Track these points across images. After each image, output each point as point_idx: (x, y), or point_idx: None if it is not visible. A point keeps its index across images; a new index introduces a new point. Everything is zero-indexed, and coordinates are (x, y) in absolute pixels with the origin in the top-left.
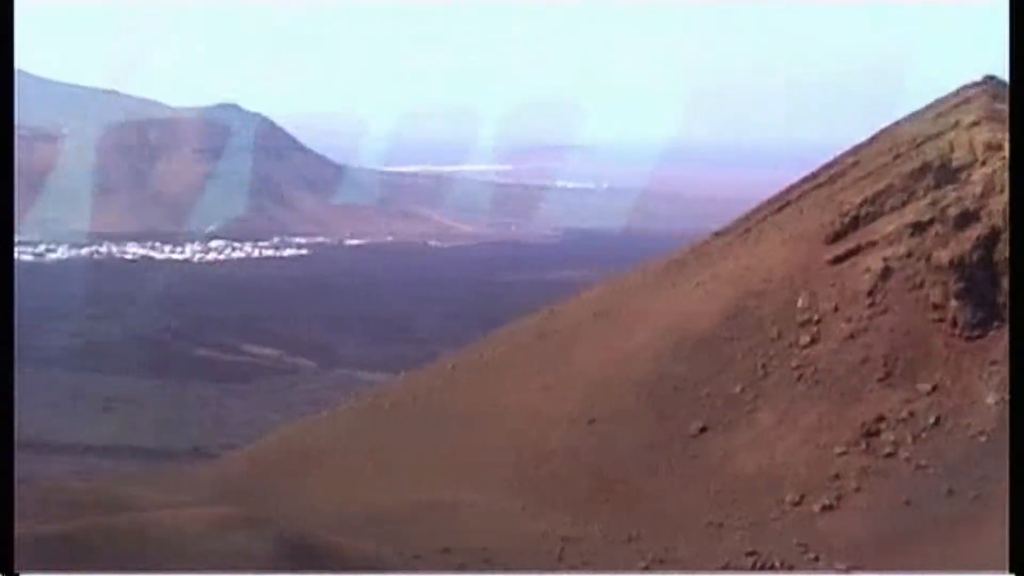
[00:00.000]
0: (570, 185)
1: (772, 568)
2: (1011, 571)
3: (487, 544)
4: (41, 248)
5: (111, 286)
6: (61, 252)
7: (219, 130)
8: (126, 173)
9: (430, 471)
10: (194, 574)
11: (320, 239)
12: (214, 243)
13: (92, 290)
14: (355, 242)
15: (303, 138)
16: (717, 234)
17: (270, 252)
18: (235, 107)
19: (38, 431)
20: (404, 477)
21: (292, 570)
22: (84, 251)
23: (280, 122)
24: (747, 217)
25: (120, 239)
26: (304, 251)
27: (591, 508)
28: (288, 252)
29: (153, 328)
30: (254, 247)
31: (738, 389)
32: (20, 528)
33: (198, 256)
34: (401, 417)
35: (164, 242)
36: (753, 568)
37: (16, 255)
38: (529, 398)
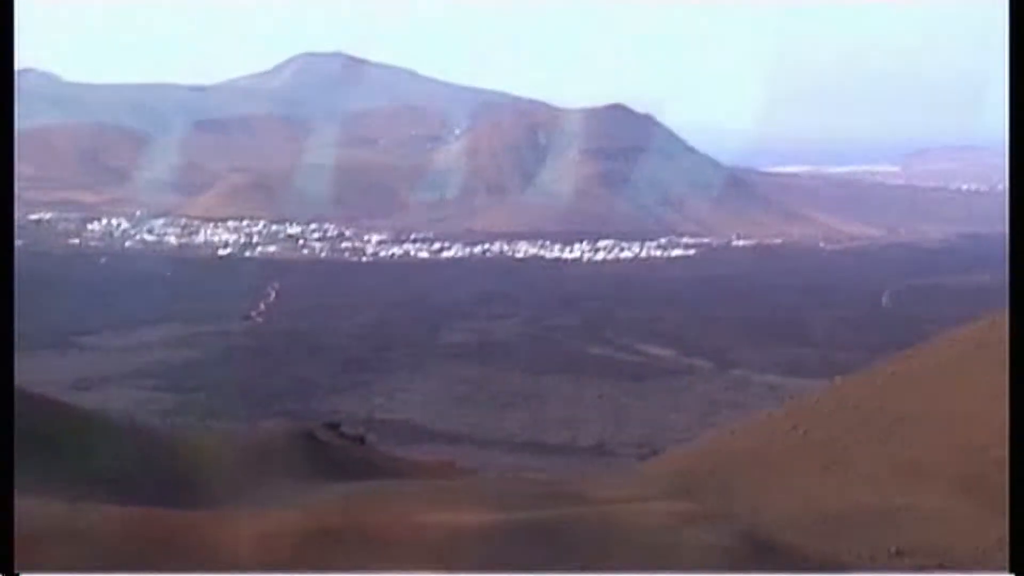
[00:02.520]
0: (964, 187)
1: None
2: (1011, 571)
3: (939, 548)
4: (436, 246)
5: (503, 284)
6: (455, 250)
7: (607, 131)
8: (516, 173)
9: (876, 474)
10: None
11: (707, 240)
12: (602, 243)
13: (486, 288)
14: (742, 243)
15: (690, 139)
16: None
17: (657, 252)
18: (623, 108)
19: (444, 422)
20: (850, 479)
21: (752, 567)
22: (476, 249)
23: (667, 123)
24: None
25: (511, 238)
26: (691, 252)
27: None
28: (675, 252)
29: (547, 326)
30: (642, 247)
31: None
32: (475, 513)
33: (587, 255)
34: (843, 420)
35: (553, 241)
36: None
37: (411, 252)
38: (977, 405)
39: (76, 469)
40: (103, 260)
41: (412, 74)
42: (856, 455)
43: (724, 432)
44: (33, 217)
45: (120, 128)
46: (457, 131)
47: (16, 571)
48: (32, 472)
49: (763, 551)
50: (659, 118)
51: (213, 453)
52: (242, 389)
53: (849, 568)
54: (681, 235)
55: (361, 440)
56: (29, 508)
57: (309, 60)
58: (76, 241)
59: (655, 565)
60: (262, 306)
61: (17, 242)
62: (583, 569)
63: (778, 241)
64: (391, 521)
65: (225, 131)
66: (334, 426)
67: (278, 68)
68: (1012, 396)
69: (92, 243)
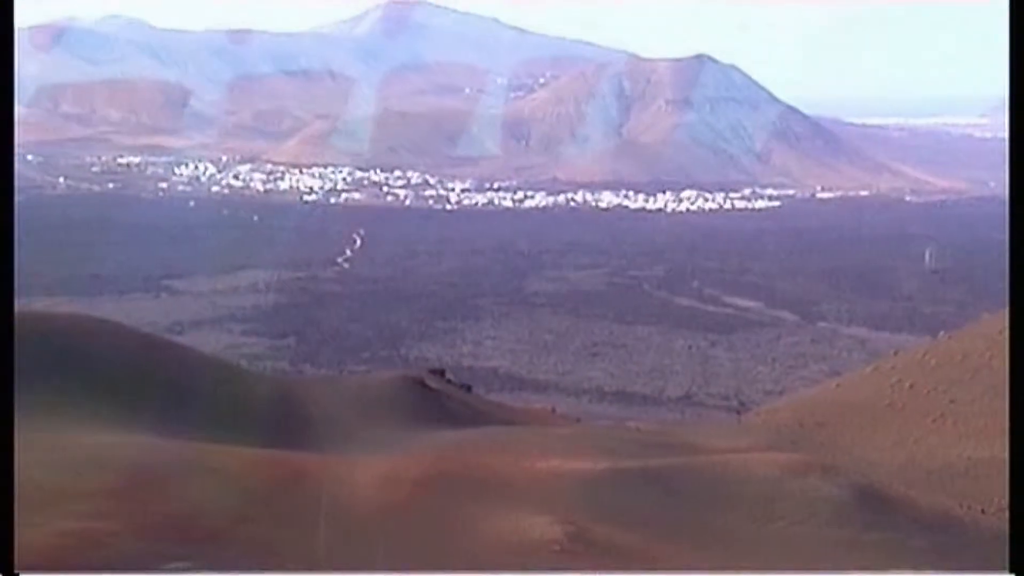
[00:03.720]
0: None
1: None
2: (1011, 571)
3: None
4: (519, 195)
5: (588, 234)
6: (539, 199)
7: (692, 81)
8: (600, 122)
9: (984, 427)
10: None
11: (791, 191)
12: (685, 193)
13: (570, 237)
14: (827, 195)
15: (776, 90)
16: None
17: (741, 204)
18: (709, 59)
19: (532, 371)
20: (959, 432)
21: (865, 518)
22: (560, 198)
23: (753, 74)
24: None
25: (595, 187)
26: (776, 203)
27: None
28: (759, 204)
29: (634, 276)
30: (726, 198)
31: None
32: (587, 460)
33: (671, 206)
34: (950, 374)
35: (637, 191)
36: None
37: (496, 200)
38: None
39: (197, 411)
40: (191, 204)
41: (495, 22)
42: (964, 409)
43: (829, 385)
44: (122, 161)
45: (206, 74)
46: (541, 80)
47: (16, 571)
48: (154, 412)
49: (877, 503)
50: (744, 68)
51: (331, 398)
52: (331, 335)
53: (961, 522)
54: (765, 186)
55: (468, 388)
56: (157, 445)
57: (393, 7)
58: (164, 185)
59: (769, 515)
60: (348, 252)
61: (107, 185)
62: (697, 517)
63: (864, 193)
64: (506, 466)
65: (309, 78)
66: (440, 373)
67: (362, 15)
68: (1012, 396)
69: (180, 187)
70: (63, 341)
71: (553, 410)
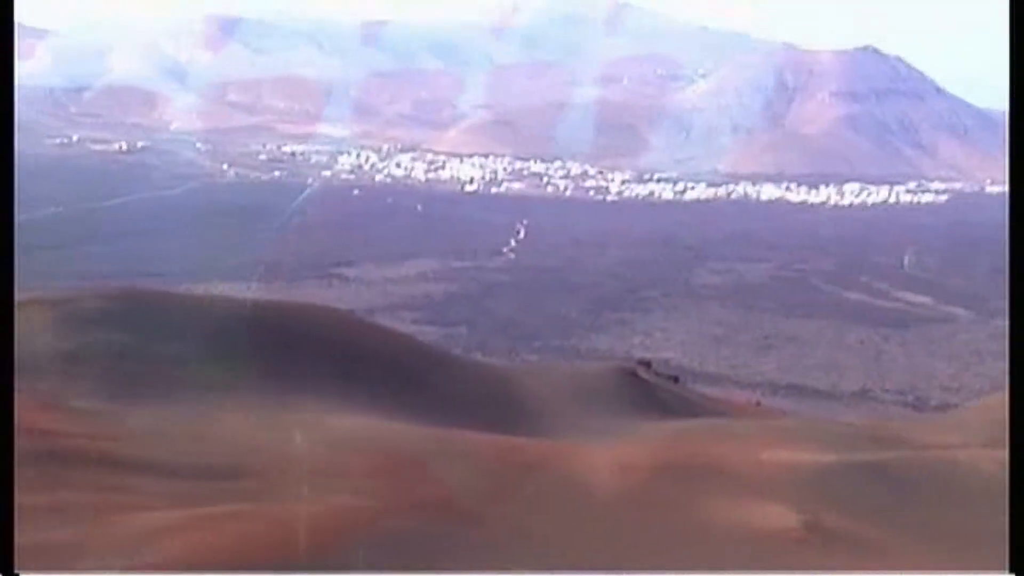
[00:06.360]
0: None
1: None
2: (1011, 571)
3: None
4: (680, 186)
5: (751, 226)
6: (699, 191)
7: (857, 72)
8: (762, 114)
9: None
10: None
11: (958, 185)
12: (849, 186)
13: (734, 229)
14: (996, 189)
15: (943, 82)
16: None
17: (907, 197)
18: (873, 50)
19: (704, 363)
20: None
21: None
22: (721, 190)
23: (919, 65)
24: None
25: (756, 179)
26: (943, 197)
27: None
28: (926, 197)
29: (801, 270)
30: (890, 191)
31: None
32: (811, 453)
33: (834, 199)
34: None
35: (799, 183)
36: None
37: (656, 192)
38: None
39: (424, 396)
40: (355, 193)
41: (652, 13)
42: None
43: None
44: (287, 149)
45: (366, 64)
46: (701, 71)
47: (16, 571)
48: (388, 397)
49: None
50: (909, 60)
51: (545, 387)
52: (502, 324)
53: None
54: (932, 179)
55: (675, 379)
56: (403, 429)
57: None
58: (328, 174)
59: (996, 511)
60: (513, 242)
61: (273, 173)
62: (925, 511)
63: None
64: (733, 456)
65: (469, 68)
66: (647, 364)
67: (521, 5)
68: (1012, 395)
69: (343, 176)
70: (301, 329)
71: (758, 403)
